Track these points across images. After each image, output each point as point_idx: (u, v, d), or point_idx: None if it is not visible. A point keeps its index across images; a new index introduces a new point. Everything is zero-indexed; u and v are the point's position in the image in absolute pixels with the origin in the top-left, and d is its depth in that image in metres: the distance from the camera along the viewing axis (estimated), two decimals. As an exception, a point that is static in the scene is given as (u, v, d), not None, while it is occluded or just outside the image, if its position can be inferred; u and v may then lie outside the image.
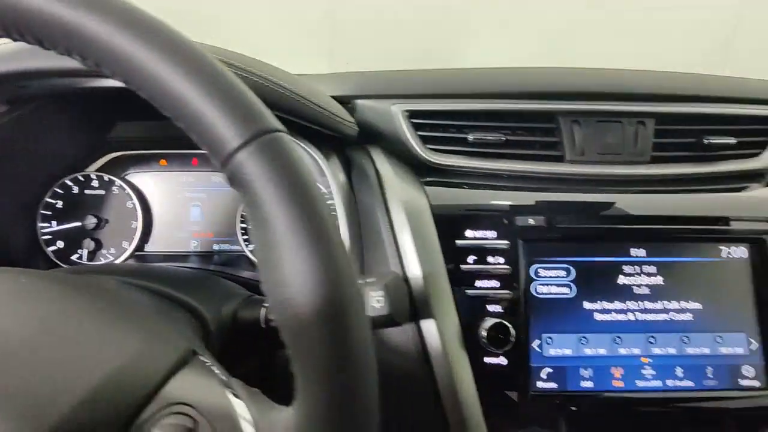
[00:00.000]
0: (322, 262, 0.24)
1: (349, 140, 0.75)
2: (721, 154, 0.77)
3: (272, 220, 0.26)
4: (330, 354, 0.24)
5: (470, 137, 0.73)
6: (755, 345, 0.65)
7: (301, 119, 0.64)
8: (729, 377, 0.64)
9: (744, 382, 0.64)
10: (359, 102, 0.76)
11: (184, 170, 0.84)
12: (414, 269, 0.62)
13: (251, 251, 0.86)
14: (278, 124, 0.29)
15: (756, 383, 0.64)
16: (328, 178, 0.69)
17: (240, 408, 0.32)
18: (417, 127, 0.74)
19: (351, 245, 0.67)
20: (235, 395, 0.33)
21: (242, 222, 0.87)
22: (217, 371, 0.36)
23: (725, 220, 0.68)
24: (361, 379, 0.25)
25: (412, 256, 0.62)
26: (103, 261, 0.81)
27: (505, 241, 0.64)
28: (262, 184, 0.26)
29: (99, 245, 0.81)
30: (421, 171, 0.73)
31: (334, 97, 0.73)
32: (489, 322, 0.60)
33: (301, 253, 0.24)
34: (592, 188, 0.71)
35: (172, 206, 0.84)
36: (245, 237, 0.86)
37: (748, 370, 0.65)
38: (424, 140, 0.74)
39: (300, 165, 0.28)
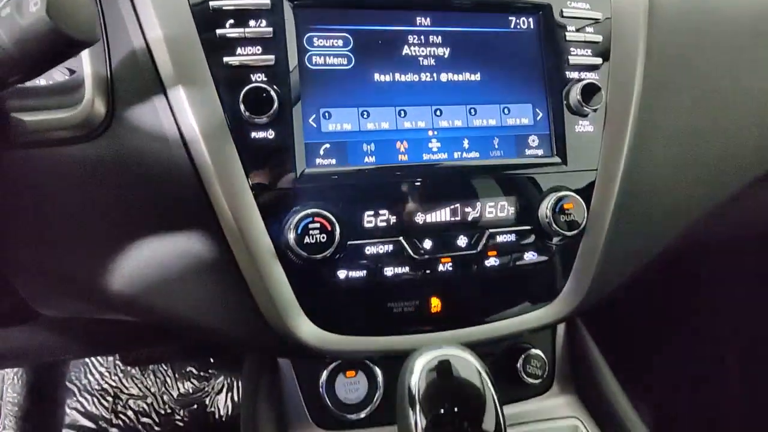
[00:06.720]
0: None
1: None
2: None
3: None
4: None
5: None
6: (541, 115, 0.64)
7: None
8: (515, 147, 0.63)
9: (529, 152, 0.63)
10: None
11: None
12: (154, 35, 0.52)
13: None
14: None
15: (540, 152, 0.63)
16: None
17: None
18: None
19: None
20: None
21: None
22: None
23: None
24: None
25: (152, 20, 0.52)
26: None
27: (266, 2, 0.55)
28: None
29: None
30: None
31: None
32: (247, 88, 0.53)
33: None
34: None
35: None
36: None
37: (533, 140, 0.63)
38: None
39: None
